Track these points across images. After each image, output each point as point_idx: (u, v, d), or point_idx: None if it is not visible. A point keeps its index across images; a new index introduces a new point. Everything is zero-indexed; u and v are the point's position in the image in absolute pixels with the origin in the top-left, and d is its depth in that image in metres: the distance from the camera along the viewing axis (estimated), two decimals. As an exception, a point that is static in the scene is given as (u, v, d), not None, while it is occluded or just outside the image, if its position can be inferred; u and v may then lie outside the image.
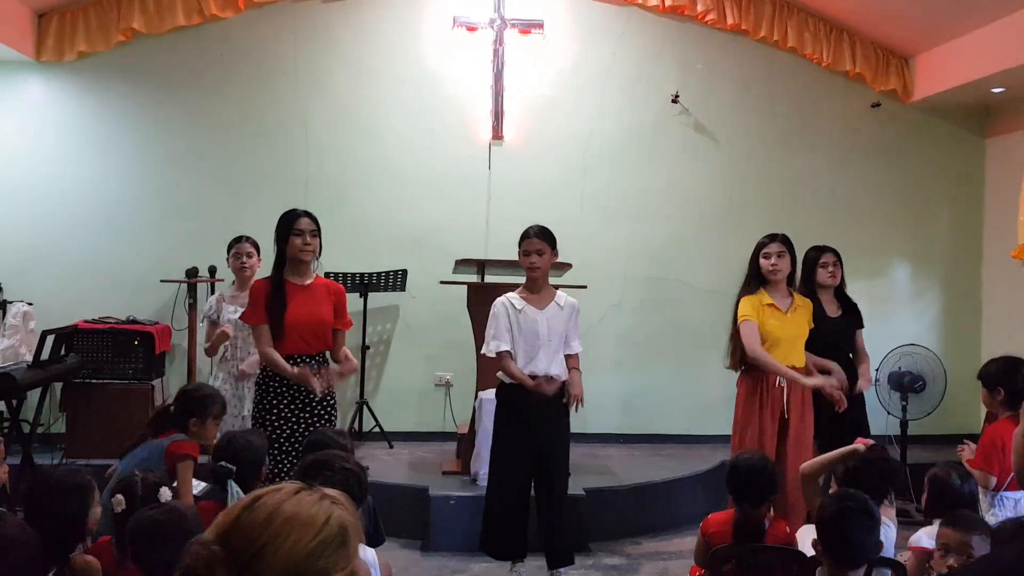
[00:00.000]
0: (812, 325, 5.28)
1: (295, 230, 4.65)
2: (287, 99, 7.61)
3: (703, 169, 7.95)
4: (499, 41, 7.68)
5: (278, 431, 4.57)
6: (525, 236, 5.02)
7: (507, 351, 4.93)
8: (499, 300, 5.02)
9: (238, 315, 5.59)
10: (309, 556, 1.36)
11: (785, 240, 5.25)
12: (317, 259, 4.80)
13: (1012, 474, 3.95)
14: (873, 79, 7.95)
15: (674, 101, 7.79)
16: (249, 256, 5.91)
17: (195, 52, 7.53)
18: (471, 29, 7.70)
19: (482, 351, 5.14)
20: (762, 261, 5.23)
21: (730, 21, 7.77)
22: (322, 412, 4.66)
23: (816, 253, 5.78)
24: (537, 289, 5.02)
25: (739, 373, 5.33)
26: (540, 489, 5.02)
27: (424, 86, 7.71)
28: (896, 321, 7.91)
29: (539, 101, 7.80)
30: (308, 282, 4.72)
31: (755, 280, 5.28)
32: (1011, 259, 7.51)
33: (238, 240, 5.99)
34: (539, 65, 7.79)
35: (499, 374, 5.07)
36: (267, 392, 4.63)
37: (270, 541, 1.35)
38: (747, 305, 5.21)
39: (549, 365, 4.94)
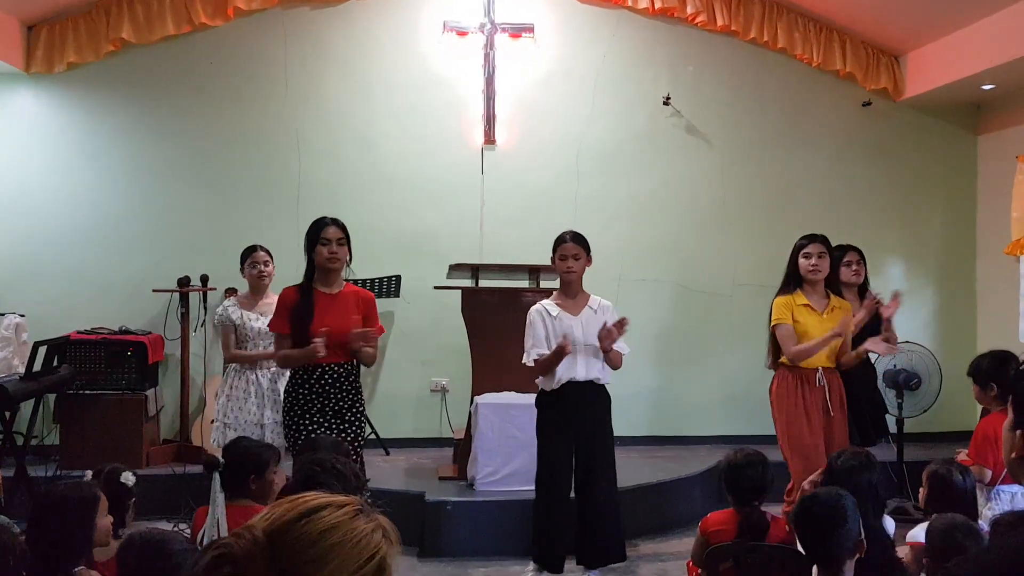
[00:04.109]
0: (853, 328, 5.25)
1: (322, 239, 4.63)
2: (278, 106, 7.60)
3: (696, 170, 7.95)
4: (490, 45, 7.67)
5: (304, 439, 4.56)
6: (561, 240, 5.05)
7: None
8: (534, 308, 5.04)
9: (260, 322, 5.59)
10: None
11: (825, 241, 5.23)
12: (348, 266, 4.78)
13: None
14: (864, 78, 7.96)
15: (666, 103, 7.79)
16: (266, 264, 5.87)
17: (185, 61, 7.52)
18: (462, 34, 7.69)
19: (522, 361, 5.05)
20: (802, 261, 5.19)
21: (720, 22, 7.78)
22: (352, 420, 4.65)
23: (839, 252, 5.79)
24: (572, 294, 5.04)
25: (774, 373, 5.31)
26: (584, 491, 4.99)
27: (415, 91, 7.70)
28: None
29: (531, 105, 7.80)
30: (337, 291, 4.69)
31: (792, 281, 5.26)
32: (1005, 255, 7.51)
33: (253, 249, 5.92)
34: (530, 69, 7.79)
35: (538, 381, 5.05)
36: (296, 401, 4.63)
37: (313, 560, 1.35)
38: (779, 307, 5.20)
39: (588, 371, 4.94)
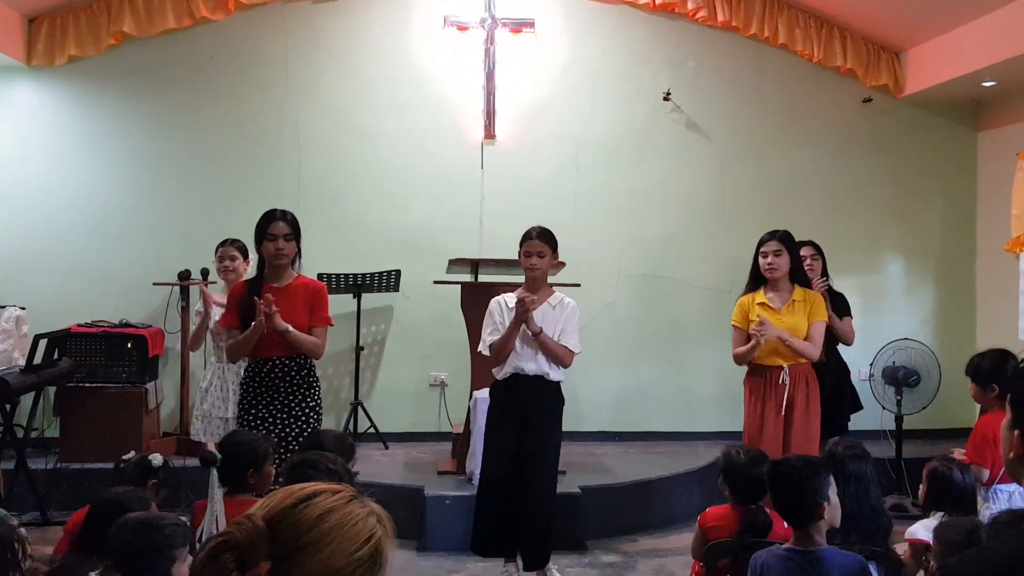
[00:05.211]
0: (823, 318, 5.23)
1: (268, 234, 4.59)
2: (278, 100, 7.60)
3: (695, 166, 7.95)
4: (490, 40, 7.67)
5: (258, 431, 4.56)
6: (527, 237, 5.03)
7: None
8: (494, 299, 5.07)
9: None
10: (340, 571, 1.40)
11: (784, 238, 5.22)
12: (298, 259, 4.73)
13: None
14: (864, 74, 7.95)
15: (666, 99, 7.78)
16: (232, 259, 5.87)
17: (185, 55, 7.51)
18: (462, 29, 7.69)
19: (478, 349, 5.17)
20: (760, 260, 5.23)
21: (720, 18, 7.77)
22: (299, 415, 4.61)
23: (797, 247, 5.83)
24: (535, 289, 5.02)
25: (746, 370, 5.34)
26: (523, 484, 5.00)
27: (416, 86, 7.70)
28: (890, 316, 7.92)
29: (531, 100, 7.80)
30: (286, 284, 4.66)
31: (754, 279, 5.30)
32: (1004, 252, 7.51)
33: (223, 244, 5.96)
34: (531, 64, 7.79)
35: (494, 371, 5.08)
36: (247, 393, 4.63)
37: (312, 543, 1.39)
38: (737, 308, 5.31)
39: (538, 364, 4.96)
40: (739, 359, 5.26)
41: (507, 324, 4.95)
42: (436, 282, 6.57)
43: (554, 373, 5.00)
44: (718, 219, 7.93)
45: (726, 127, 7.99)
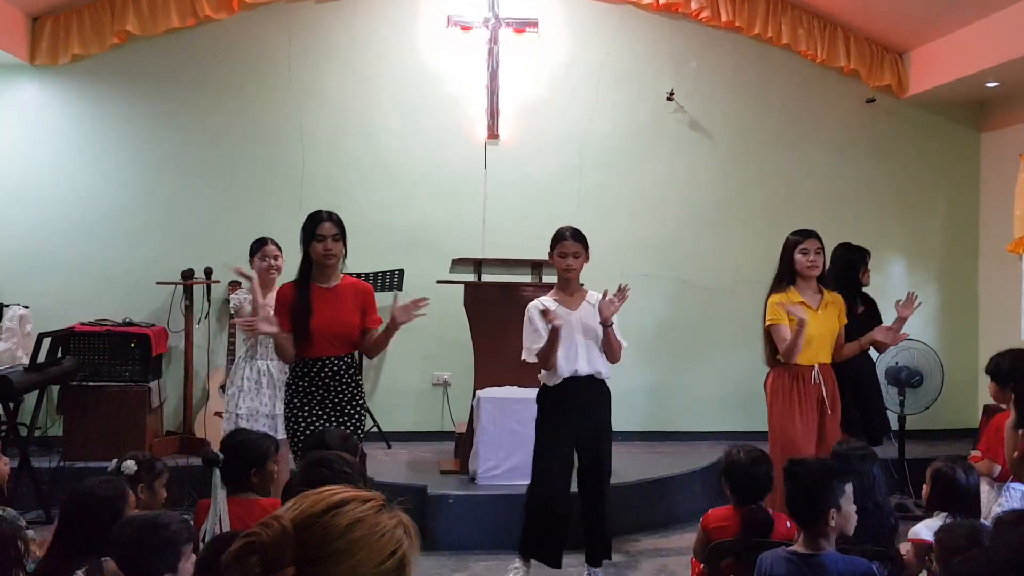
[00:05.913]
0: (845, 320, 5.20)
1: (317, 235, 4.56)
2: (282, 99, 7.61)
3: (699, 166, 7.95)
4: (494, 40, 7.67)
5: (307, 432, 4.53)
6: (561, 238, 5.02)
7: None
8: (532, 304, 4.99)
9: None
10: None
11: (819, 236, 5.18)
12: (343, 260, 4.73)
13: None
14: (868, 75, 7.95)
15: (669, 99, 7.79)
16: (276, 258, 5.78)
17: (189, 53, 7.52)
18: (466, 28, 7.69)
19: (522, 357, 5.01)
20: (799, 258, 5.10)
21: (724, 18, 7.77)
22: (352, 412, 4.61)
23: (858, 254, 5.88)
24: (571, 290, 5.03)
25: (770, 370, 5.24)
26: (586, 489, 5.00)
27: (419, 85, 7.70)
28: (893, 316, 7.87)
29: (534, 100, 7.81)
30: (334, 284, 4.66)
31: (786, 278, 5.17)
32: (1007, 253, 7.52)
33: (263, 243, 5.80)
34: (534, 64, 7.79)
35: (540, 376, 5.02)
36: (297, 393, 4.60)
37: (339, 552, 1.38)
38: (775, 307, 5.08)
39: (591, 364, 4.91)
40: (792, 348, 4.93)
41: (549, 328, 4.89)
42: (440, 282, 6.58)
43: (604, 370, 4.98)
44: (721, 219, 7.93)
45: (729, 127, 7.99)
